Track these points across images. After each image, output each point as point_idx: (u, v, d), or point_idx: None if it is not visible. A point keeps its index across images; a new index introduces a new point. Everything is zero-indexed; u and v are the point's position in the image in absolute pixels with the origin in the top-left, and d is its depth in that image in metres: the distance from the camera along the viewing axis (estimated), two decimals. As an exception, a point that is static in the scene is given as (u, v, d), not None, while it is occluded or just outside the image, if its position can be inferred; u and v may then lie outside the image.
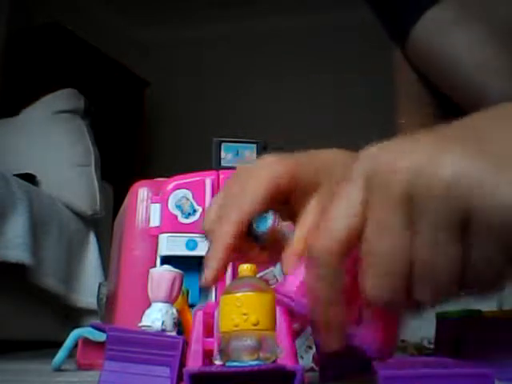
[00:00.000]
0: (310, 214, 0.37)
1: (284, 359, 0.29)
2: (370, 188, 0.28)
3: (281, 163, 0.38)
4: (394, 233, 0.27)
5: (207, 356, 0.32)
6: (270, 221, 0.36)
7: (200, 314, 0.33)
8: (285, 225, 0.38)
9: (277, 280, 0.67)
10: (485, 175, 0.26)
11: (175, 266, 0.38)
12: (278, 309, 0.31)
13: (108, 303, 0.80)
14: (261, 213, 0.36)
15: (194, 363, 0.31)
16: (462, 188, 0.26)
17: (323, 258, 0.29)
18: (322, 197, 0.38)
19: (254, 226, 0.36)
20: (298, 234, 0.37)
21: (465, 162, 0.26)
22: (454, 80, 0.51)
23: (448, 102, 0.55)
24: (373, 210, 0.28)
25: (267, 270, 0.66)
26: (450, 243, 0.26)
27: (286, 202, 0.38)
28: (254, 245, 0.37)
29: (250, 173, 0.38)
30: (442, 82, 0.54)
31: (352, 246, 0.29)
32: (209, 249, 0.36)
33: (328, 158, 0.40)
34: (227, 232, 0.35)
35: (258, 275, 0.34)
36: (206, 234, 0.38)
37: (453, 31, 0.50)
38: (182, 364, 0.32)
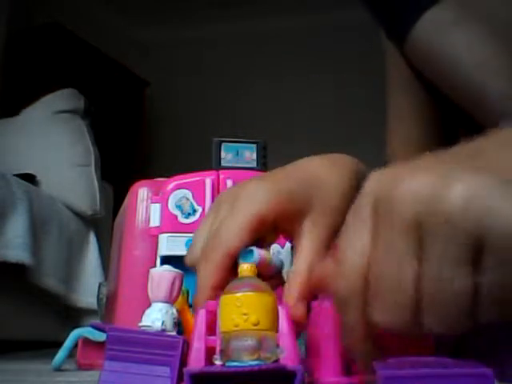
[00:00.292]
0: (306, 241, 0.37)
1: (286, 359, 0.29)
2: (379, 214, 0.27)
3: (265, 194, 0.36)
4: (402, 259, 0.26)
5: (209, 354, 0.31)
6: (255, 254, 0.35)
7: (203, 311, 0.33)
8: (271, 253, 0.37)
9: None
10: (497, 200, 0.25)
11: (175, 266, 0.38)
12: (280, 309, 0.31)
13: (108, 303, 0.80)
14: (246, 247, 0.35)
15: (196, 362, 0.31)
16: (473, 213, 0.25)
17: (350, 301, 0.28)
18: (317, 222, 0.37)
19: (240, 260, 0.35)
20: (300, 267, 0.36)
21: (475, 186, 0.25)
22: (454, 80, 0.51)
23: (446, 103, 0.55)
24: (382, 235, 0.27)
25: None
26: (458, 276, 0.25)
27: (273, 229, 0.37)
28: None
29: (235, 205, 0.36)
30: (441, 82, 0.54)
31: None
32: (196, 291, 0.36)
33: (319, 178, 0.38)
34: (212, 273, 0.35)
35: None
36: (192, 267, 0.38)
37: (452, 31, 0.50)
38: (183, 364, 0.32)
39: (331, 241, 0.36)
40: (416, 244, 0.26)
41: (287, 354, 0.30)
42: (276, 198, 0.36)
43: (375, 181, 0.29)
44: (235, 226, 0.35)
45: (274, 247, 0.43)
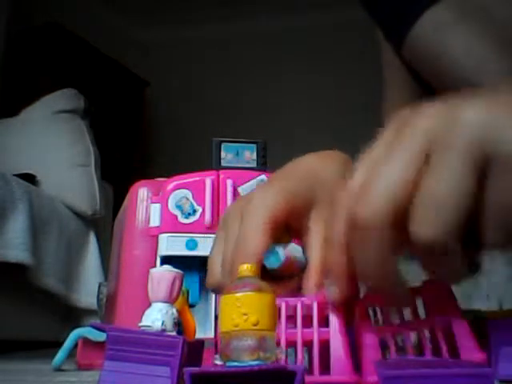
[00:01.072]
0: (315, 234, 0.37)
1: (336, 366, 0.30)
2: (433, 140, 0.28)
3: (273, 197, 0.37)
4: (461, 180, 0.27)
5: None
6: (280, 254, 0.35)
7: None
8: (297, 251, 0.38)
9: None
10: None
11: (175, 266, 0.38)
12: (331, 316, 0.33)
13: (108, 303, 0.80)
14: (269, 250, 0.35)
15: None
16: None
17: (382, 224, 0.29)
18: (322, 214, 0.37)
19: (266, 264, 0.35)
20: (313, 261, 0.37)
21: None
22: (452, 80, 0.51)
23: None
24: (439, 159, 0.28)
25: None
26: None
27: (285, 230, 0.38)
28: (271, 281, 0.36)
29: (248, 214, 0.37)
30: (439, 82, 0.54)
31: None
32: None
33: (317, 172, 0.39)
34: None
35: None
36: (216, 290, 0.38)
37: (451, 32, 0.50)
38: (182, 364, 0.32)
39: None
40: (475, 167, 0.27)
41: (339, 362, 0.30)
42: (284, 198, 0.37)
43: (427, 111, 0.29)
44: (255, 233, 0.35)
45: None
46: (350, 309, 0.35)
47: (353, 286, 0.33)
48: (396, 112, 0.31)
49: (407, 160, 0.29)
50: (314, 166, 0.40)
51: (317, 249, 0.37)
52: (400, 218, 0.29)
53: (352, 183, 0.31)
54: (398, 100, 0.62)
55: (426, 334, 0.33)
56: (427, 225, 0.28)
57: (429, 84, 0.55)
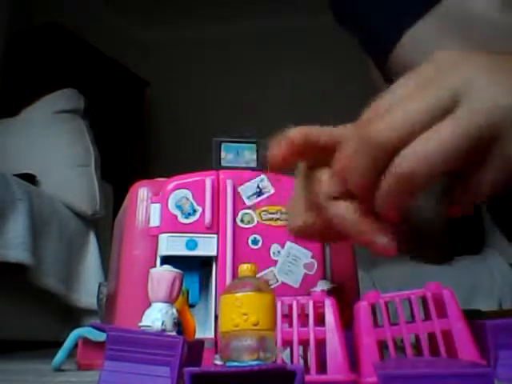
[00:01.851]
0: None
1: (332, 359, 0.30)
2: (458, 100, 0.31)
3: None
4: (467, 142, 0.30)
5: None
6: None
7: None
8: None
9: (276, 280, 0.67)
10: None
11: (175, 266, 0.38)
12: (326, 302, 0.32)
13: (108, 303, 0.80)
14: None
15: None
16: None
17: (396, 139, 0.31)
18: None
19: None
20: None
21: None
22: None
23: None
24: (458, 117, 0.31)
25: (267, 270, 0.66)
26: None
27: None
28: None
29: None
30: None
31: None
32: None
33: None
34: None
35: (258, 275, 0.34)
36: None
37: (431, 49, 0.51)
38: (182, 364, 0.32)
39: None
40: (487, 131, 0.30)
41: (334, 353, 0.30)
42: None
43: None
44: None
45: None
46: (350, 309, 0.35)
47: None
48: (434, 52, 0.35)
49: (431, 104, 0.32)
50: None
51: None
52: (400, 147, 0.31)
53: (376, 104, 0.34)
54: None
55: (425, 335, 0.33)
56: (416, 154, 0.30)
57: None
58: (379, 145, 0.32)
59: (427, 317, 0.34)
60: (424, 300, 0.34)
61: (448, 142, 0.30)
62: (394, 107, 0.33)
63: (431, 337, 0.33)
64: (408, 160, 0.31)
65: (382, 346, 0.33)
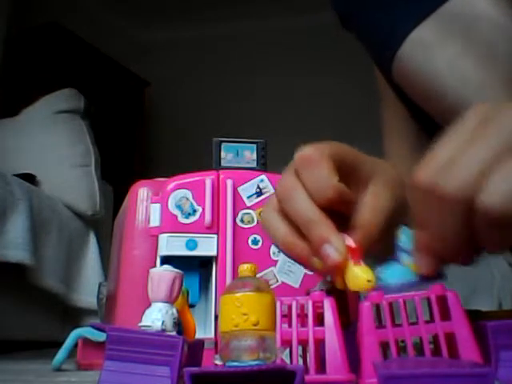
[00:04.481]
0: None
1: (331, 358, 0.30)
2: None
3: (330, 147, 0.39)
4: None
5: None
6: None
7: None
8: None
9: (276, 280, 0.67)
10: None
11: (175, 266, 0.38)
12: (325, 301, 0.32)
13: (108, 303, 0.80)
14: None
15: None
16: None
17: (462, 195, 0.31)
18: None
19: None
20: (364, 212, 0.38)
21: None
22: (437, 96, 0.52)
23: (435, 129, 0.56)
24: None
25: (267, 270, 0.66)
26: None
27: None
28: None
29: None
30: (427, 103, 0.54)
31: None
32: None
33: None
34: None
35: (258, 275, 0.34)
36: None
37: (436, 50, 0.51)
38: (182, 364, 0.32)
39: None
40: None
41: (333, 351, 0.30)
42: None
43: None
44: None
45: None
46: (352, 309, 0.35)
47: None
48: (472, 106, 0.34)
49: (491, 148, 0.31)
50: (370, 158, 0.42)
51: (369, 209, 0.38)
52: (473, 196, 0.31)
53: (433, 158, 0.33)
54: (396, 134, 0.63)
55: (428, 337, 0.33)
56: (499, 195, 0.30)
57: (422, 110, 0.56)
58: (463, 200, 0.31)
59: (431, 318, 0.34)
60: (428, 302, 0.34)
61: None
62: (458, 157, 0.32)
63: (435, 339, 0.33)
64: (496, 201, 0.30)
65: (385, 347, 0.33)
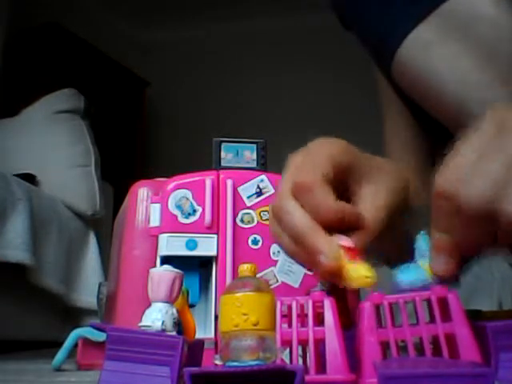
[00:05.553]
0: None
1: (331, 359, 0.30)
2: None
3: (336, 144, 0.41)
4: None
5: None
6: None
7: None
8: None
9: (276, 280, 0.67)
10: None
11: (175, 266, 0.38)
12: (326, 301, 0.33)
13: (108, 303, 0.80)
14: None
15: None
16: None
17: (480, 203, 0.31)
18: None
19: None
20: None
21: None
22: (438, 95, 0.52)
23: (436, 130, 0.56)
24: None
25: (267, 270, 0.66)
26: None
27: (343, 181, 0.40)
28: None
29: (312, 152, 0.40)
30: (427, 101, 0.54)
31: None
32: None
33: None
34: None
35: (258, 275, 0.34)
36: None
37: (436, 49, 0.51)
38: (182, 364, 0.32)
39: None
40: None
41: (333, 353, 0.30)
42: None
43: None
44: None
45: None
46: (353, 309, 0.35)
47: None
48: (487, 111, 0.34)
49: (511, 156, 0.31)
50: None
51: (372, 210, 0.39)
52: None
53: (453, 166, 0.33)
54: (397, 134, 0.63)
55: (429, 338, 0.33)
56: None
57: (422, 109, 0.56)
58: (485, 209, 0.31)
59: (432, 319, 0.34)
60: (429, 303, 0.34)
61: None
62: (478, 166, 0.32)
63: (435, 340, 0.33)
64: None
65: (385, 347, 0.33)
